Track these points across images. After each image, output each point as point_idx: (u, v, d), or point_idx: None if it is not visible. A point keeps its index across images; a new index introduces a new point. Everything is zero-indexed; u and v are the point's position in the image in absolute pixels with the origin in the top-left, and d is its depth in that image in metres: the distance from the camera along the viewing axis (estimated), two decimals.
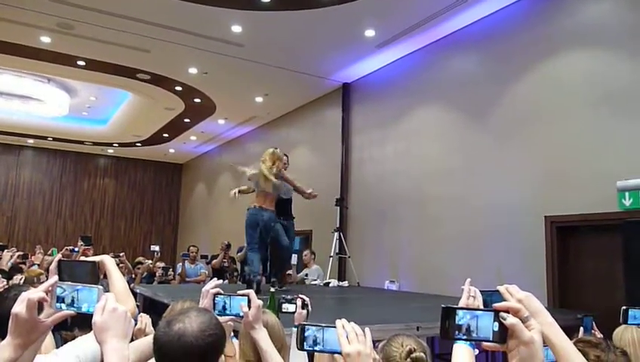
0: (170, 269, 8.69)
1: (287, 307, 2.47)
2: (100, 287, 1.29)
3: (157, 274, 8.31)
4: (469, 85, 6.57)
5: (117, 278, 1.88)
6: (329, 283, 7.41)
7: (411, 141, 7.46)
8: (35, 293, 1.23)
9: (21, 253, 6.99)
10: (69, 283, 1.32)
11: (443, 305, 1.09)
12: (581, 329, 2.62)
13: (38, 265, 7.00)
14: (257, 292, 5.25)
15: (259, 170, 5.50)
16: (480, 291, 1.47)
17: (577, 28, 5.36)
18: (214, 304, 1.86)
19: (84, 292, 1.27)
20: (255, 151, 12.23)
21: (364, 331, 1.37)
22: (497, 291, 1.20)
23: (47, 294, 1.25)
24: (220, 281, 1.91)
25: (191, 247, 8.79)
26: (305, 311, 2.45)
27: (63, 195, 15.55)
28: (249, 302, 1.84)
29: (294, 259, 9.15)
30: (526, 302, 1.15)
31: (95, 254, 8.78)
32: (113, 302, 1.25)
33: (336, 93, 9.14)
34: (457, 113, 6.75)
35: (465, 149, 6.55)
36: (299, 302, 2.46)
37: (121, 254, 8.17)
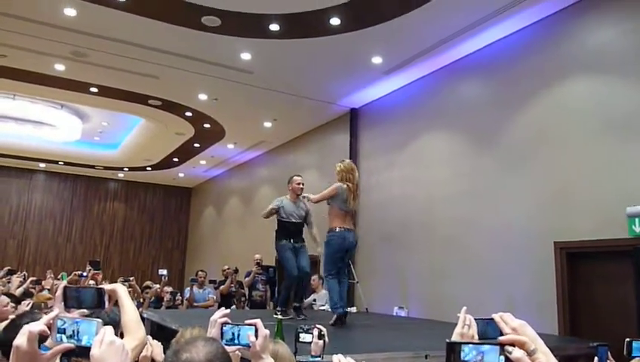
0: (179, 294, 8.66)
1: (304, 337, 2.45)
2: (99, 320, 1.33)
3: (165, 299, 8.28)
4: (476, 111, 6.61)
5: (129, 307, 1.90)
6: None
7: (419, 166, 7.48)
8: (37, 326, 1.27)
9: (34, 278, 7.00)
10: (70, 315, 1.37)
11: (447, 340, 1.09)
12: (595, 358, 2.55)
13: (49, 289, 7.02)
14: (343, 324, 4.79)
15: (344, 185, 5.03)
16: (475, 319, 1.46)
17: (583, 54, 5.40)
18: (222, 333, 1.86)
19: (84, 325, 1.31)
20: (264, 176, 12.33)
21: None
22: (492, 319, 1.20)
23: (49, 327, 1.29)
24: (228, 311, 1.92)
25: (199, 272, 8.77)
26: (321, 342, 2.41)
27: (74, 219, 15.68)
28: (256, 331, 1.84)
29: None
30: (520, 331, 1.16)
31: (104, 278, 8.80)
32: (111, 335, 1.29)
33: (344, 118, 9.22)
34: (464, 138, 6.78)
35: (472, 174, 6.55)
36: (315, 332, 2.43)
37: (131, 279, 8.17)
